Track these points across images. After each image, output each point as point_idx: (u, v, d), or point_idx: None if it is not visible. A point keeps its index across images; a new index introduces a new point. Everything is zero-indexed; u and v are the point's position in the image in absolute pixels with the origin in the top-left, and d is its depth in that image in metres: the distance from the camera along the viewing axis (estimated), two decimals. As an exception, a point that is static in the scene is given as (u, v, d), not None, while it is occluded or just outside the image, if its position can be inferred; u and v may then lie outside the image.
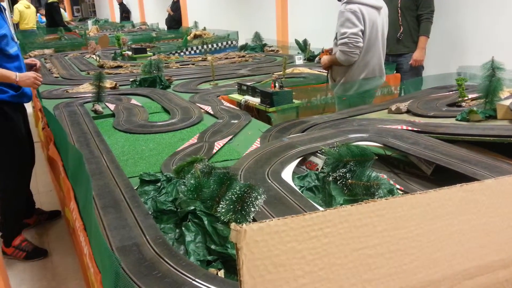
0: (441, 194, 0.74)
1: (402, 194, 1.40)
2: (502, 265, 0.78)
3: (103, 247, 1.01)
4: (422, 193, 0.74)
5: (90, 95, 2.96)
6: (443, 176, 1.53)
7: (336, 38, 2.91)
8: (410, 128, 1.86)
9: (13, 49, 2.46)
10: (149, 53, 5.54)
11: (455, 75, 2.82)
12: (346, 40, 2.77)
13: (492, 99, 1.94)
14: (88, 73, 4.30)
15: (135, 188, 1.46)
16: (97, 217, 1.26)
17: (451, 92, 2.52)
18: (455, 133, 1.70)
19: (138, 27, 11.01)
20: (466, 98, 2.25)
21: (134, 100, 2.97)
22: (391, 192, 1.34)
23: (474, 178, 1.32)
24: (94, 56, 5.38)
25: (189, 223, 1.18)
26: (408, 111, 2.27)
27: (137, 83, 3.50)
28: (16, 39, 2.56)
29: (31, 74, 2.44)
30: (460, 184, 0.76)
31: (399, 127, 1.90)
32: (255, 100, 2.80)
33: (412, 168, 1.68)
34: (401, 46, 3.80)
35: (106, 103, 2.84)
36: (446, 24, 4.18)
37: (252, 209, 1.11)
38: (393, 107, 2.32)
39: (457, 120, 1.94)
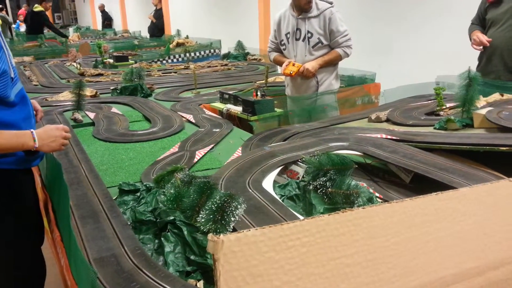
0: (417, 202, 0.75)
1: (382, 202, 1.42)
2: (477, 272, 0.79)
3: (80, 259, 0.99)
4: (398, 202, 0.75)
5: (70, 103, 2.92)
6: (421, 184, 1.55)
7: (319, 42, 2.98)
8: (389, 137, 1.88)
9: (15, 90, 1.51)
10: (130, 61, 5.50)
11: (434, 84, 2.87)
12: (349, 36, 3.04)
13: (468, 108, 1.98)
14: (68, 81, 4.24)
15: (114, 198, 1.45)
16: (75, 227, 1.24)
17: (429, 101, 2.57)
18: (433, 142, 1.73)
19: (120, 35, 10.95)
20: (444, 107, 2.29)
21: (115, 109, 2.94)
22: (370, 200, 1.35)
23: (451, 186, 1.34)
24: (74, 63, 5.32)
25: (169, 233, 1.16)
26: (387, 120, 2.30)
27: (118, 91, 3.47)
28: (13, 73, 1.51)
29: (54, 130, 1.52)
30: (435, 193, 0.77)
31: (379, 135, 1.92)
32: (237, 109, 2.80)
33: (391, 176, 1.70)
34: None
35: (86, 112, 2.80)
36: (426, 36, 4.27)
37: (232, 219, 1.10)
38: (373, 116, 2.35)
39: (435, 128, 1.97)
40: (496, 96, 2.37)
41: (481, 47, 2.95)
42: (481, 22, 3.11)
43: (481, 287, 0.79)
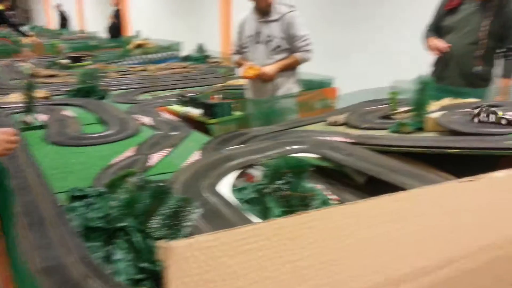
0: (370, 204, 0.76)
1: (337, 204, 1.43)
2: (427, 271, 0.80)
3: (23, 269, 0.94)
4: (352, 204, 0.75)
5: (20, 105, 2.78)
6: (376, 186, 1.58)
7: (279, 45, 2.99)
8: (345, 140, 1.91)
9: None
10: (87, 62, 5.34)
11: (389, 89, 2.95)
12: (309, 40, 3.06)
13: (421, 112, 2.05)
14: (19, 82, 4.05)
15: (63, 204, 1.38)
16: (20, 236, 1.17)
17: (384, 105, 2.63)
18: (387, 145, 1.77)
19: (76, 35, 10.61)
20: (398, 111, 2.35)
21: (68, 111, 2.83)
22: (326, 203, 1.36)
23: (403, 187, 1.37)
24: (27, 64, 5.10)
25: (120, 240, 1.12)
26: (344, 123, 2.34)
27: (72, 93, 3.35)
28: None
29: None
30: (388, 194, 0.78)
31: (336, 138, 1.95)
32: (196, 112, 2.77)
33: (347, 178, 1.72)
34: None
35: (37, 114, 2.68)
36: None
37: (187, 224, 1.08)
38: (331, 120, 2.38)
39: (389, 132, 2.02)
40: (447, 101, 2.47)
41: (439, 53, 3.07)
42: (437, 28, 3.23)
43: (430, 286, 0.81)
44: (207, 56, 5.73)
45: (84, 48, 7.08)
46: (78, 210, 1.34)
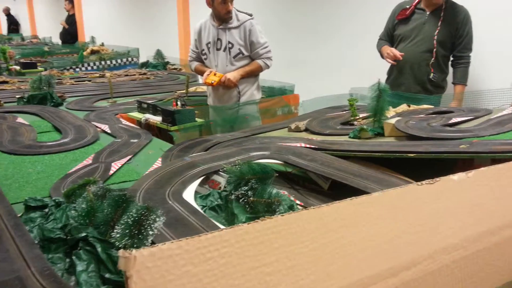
0: (333, 208, 0.77)
1: (302, 209, 1.44)
2: (392, 273, 0.82)
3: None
4: (315, 208, 0.76)
5: (-32, 113, 2.65)
6: (339, 191, 1.61)
7: (240, 52, 3.00)
8: (308, 146, 1.93)
9: None
10: (40, 68, 5.15)
11: (348, 96, 3.02)
12: (269, 48, 3.11)
13: (379, 118, 2.10)
14: (-33, 89, 3.86)
15: (19, 215, 1.32)
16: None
17: (344, 112, 2.69)
18: (348, 150, 1.80)
19: (28, 41, 10.23)
20: (357, 117, 2.41)
21: (21, 119, 2.71)
22: (291, 208, 1.36)
23: (366, 191, 1.40)
24: (-25, 70, 4.86)
25: (81, 251, 1.08)
26: (306, 130, 2.37)
27: (24, 100, 3.22)
28: None
29: None
30: (350, 198, 0.79)
31: (298, 144, 1.97)
32: (156, 119, 2.72)
33: (311, 183, 1.74)
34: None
35: (-13, 122, 2.56)
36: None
37: (151, 233, 1.05)
38: (293, 126, 2.41)
39: (349, 137, 2.07)
40: (404, 107, 2.55)
41: (394, 60, 3.18)
42: (389, 37, 3.35)
43: (396, 287, 0.83)
44: (166, 63, 5.66)
45: (36, 54, 6.84)
46: (35, 221, 1.28)
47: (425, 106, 2.60)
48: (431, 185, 0.86)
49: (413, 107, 2.55)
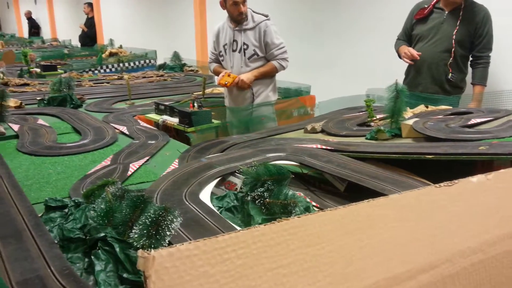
0: (350, 210, 0.76)
1: (318, 211, 1.44)
2: (409, 276, 0.81)
3: (1, 282, 0.91)
4: (332, 210, 0.76)
5: (-9, 114, 2.71)
6: (355, 192, 1.60)
7: (255, 53, 3.01)
8: (324, 147, 1.93)
9: None
10: (60, 71, 5.24)
11: (365, 97, 3.00)
12: (285, 48, 3.10)
13: (397, 119, 2.08)
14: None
15: (39, 215, 1.35)
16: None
17: (361, 113, 2.67)
18: (365, 151, 1.79)
19: (48, 43, 10.43)
20: (374, 118, 2.39)
21: (41, 120, 2.77)
22: (307, 209, 1.36)
23: (383, 193, 1.39)
24: (-3, 72, 4.98)
25: (99, 251, 1.10)
26: (322, 131, 2.36)
27: (45, 102, 3.28)
28: None
29: None
30: (367, 200, 0.79)
31: (314, 146, 1.96)
32: (173, 120, 2.75)
33: (327, 185, 1.73)
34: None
35: (10, 124, 2.61)
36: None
37: (168, 233, 1.06)
38: (309, 127, 2.40)
39: (366, 139, 2.05)
40: (421, 108, 2.52)
41: (411, 60, 3.15)
42: (407, 37, 3.32)
43: (412, 291, 0.82)
44: (183, 65, 5.71)
45: (56, 57, 6.97)
46: (55, 221, 1.31)
47: (443, 107, 2.56)
48: (449, 187, 0.85)
49: (431, 107, 2.52)
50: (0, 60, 5.50)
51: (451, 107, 2.60)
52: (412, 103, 2.59)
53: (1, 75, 4.78)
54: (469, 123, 2.02)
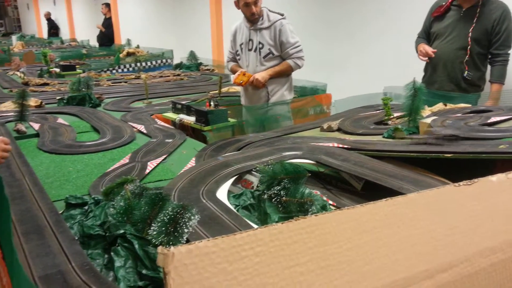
0: (368, 208, 0.76)
1: (335, 209, 1.44)
2: (427, 275, 0.81)
3: (23, 277, 0.93)
4: (350, 209, 0.76)
5: (13, 114, 2.77)
6: (372, 191, 1.59)
7: (270, 52, 3.01)
8: (341, 146, 1.92)
9: None
10: (78, 71, 5.33)
11: (382, 95, 2.97)
12: (301, 47, 3.08)
13: (415, 117, 2.06)
14: (11, 91, 4.03)
15: (60, 212, 1.38)
16: (18, 244, 1.16)
17: (378, 111, 2.65)
18: (382, 150, 1.78)
19: (67, 44, 10.60)
20: (391, 116, 2.37)
21: (61, 119, 2.82)
22: (324, 208, 1.36)
23: (401, 192, 1.38)
24: (18, 72, 5.08)
25: (119, 247, 1.12)
26: (339, 129, 2.35)
27: (64, 101, 3.34)
28: None
29: None
30: (385, 199, 0.79)
31: (331, 144, 1.96)
32: (190, 119, 2.77)
33: (344, 184, 1.73)
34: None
35: (30, 123, 2.67)
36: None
37: (186, 230, 1.08)
38: (325, 126, 2.39)
39: (383, 137, 2.04)
40: (440, 106, 2.49)
41: (427, 58, 3.11)
42: (427, 35, 3.29)
43: (431, 290, 0.81)
44: (200, 64, 5.74)
45: (75, 57, 7.08)
46: (75, 218, 1.33)
47: (462, 105, 2.53)
48: (468, 186, 0.84)
49: (449, 106, 2.49)
50: (21, 60, 5.61)
51: (469, 105, 2.56)
52: (430, 101, 2.56)
53: (22, 75, 4.88)
54: (489, 121, 1.99)
